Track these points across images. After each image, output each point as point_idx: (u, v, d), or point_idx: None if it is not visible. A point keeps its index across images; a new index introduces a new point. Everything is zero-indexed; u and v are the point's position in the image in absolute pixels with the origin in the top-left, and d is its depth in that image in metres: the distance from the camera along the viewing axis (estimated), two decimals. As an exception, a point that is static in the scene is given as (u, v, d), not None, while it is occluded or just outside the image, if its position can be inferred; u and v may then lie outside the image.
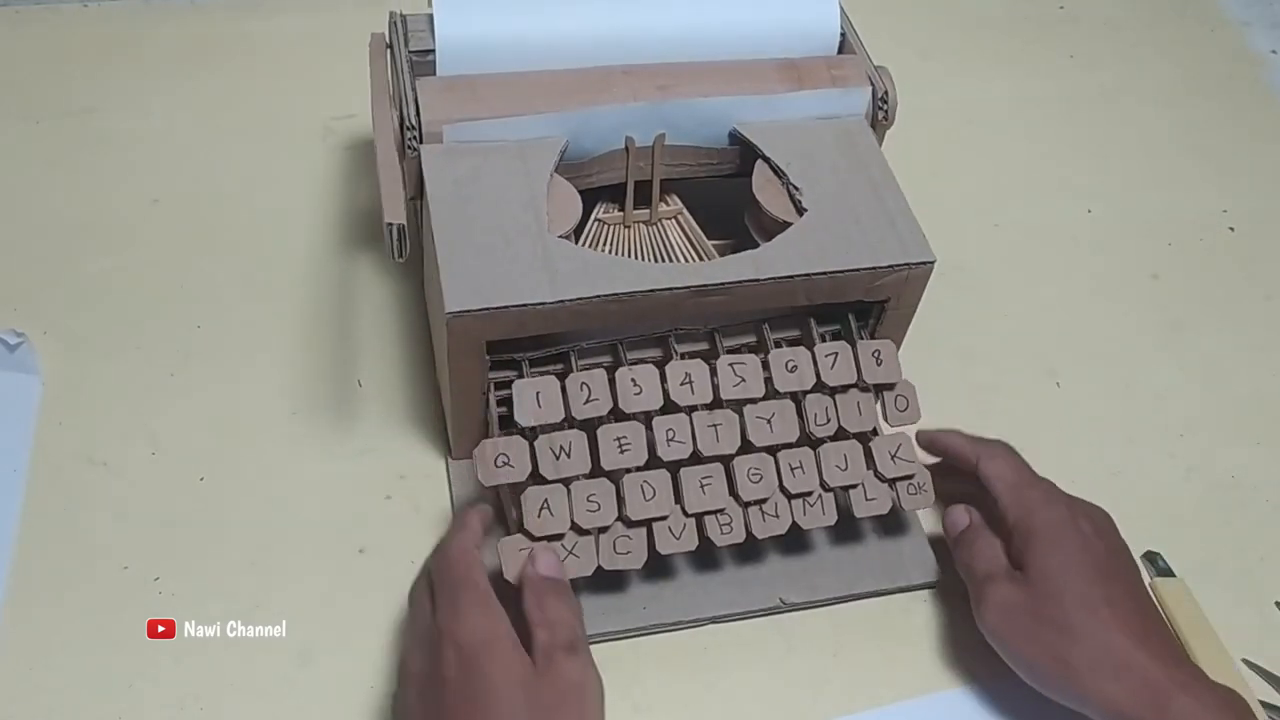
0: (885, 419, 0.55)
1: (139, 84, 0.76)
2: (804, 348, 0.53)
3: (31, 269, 0.65)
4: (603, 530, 0.50)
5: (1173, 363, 0.68)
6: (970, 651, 0.54)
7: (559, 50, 0.56)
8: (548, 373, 0.51)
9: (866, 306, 0.55)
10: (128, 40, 0.79)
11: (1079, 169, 0.79)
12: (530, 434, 0.50)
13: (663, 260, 0.58)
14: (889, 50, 0.61)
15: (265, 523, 0.56)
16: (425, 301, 0.64)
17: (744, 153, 0.58)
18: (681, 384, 0.51)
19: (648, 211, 0.59)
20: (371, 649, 0.53)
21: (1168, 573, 0.58)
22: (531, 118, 0.54)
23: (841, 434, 0.53)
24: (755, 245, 0.54)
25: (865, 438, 0.54)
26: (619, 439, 0.50)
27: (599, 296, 0.50)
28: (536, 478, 0.50)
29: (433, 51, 0.56)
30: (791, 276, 0.52)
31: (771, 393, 0.52)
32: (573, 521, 0.50)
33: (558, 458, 0.50)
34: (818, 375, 0.53)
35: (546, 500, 0.49)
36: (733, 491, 0.51)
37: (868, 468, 0.53)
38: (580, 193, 0.55)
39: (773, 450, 0.52)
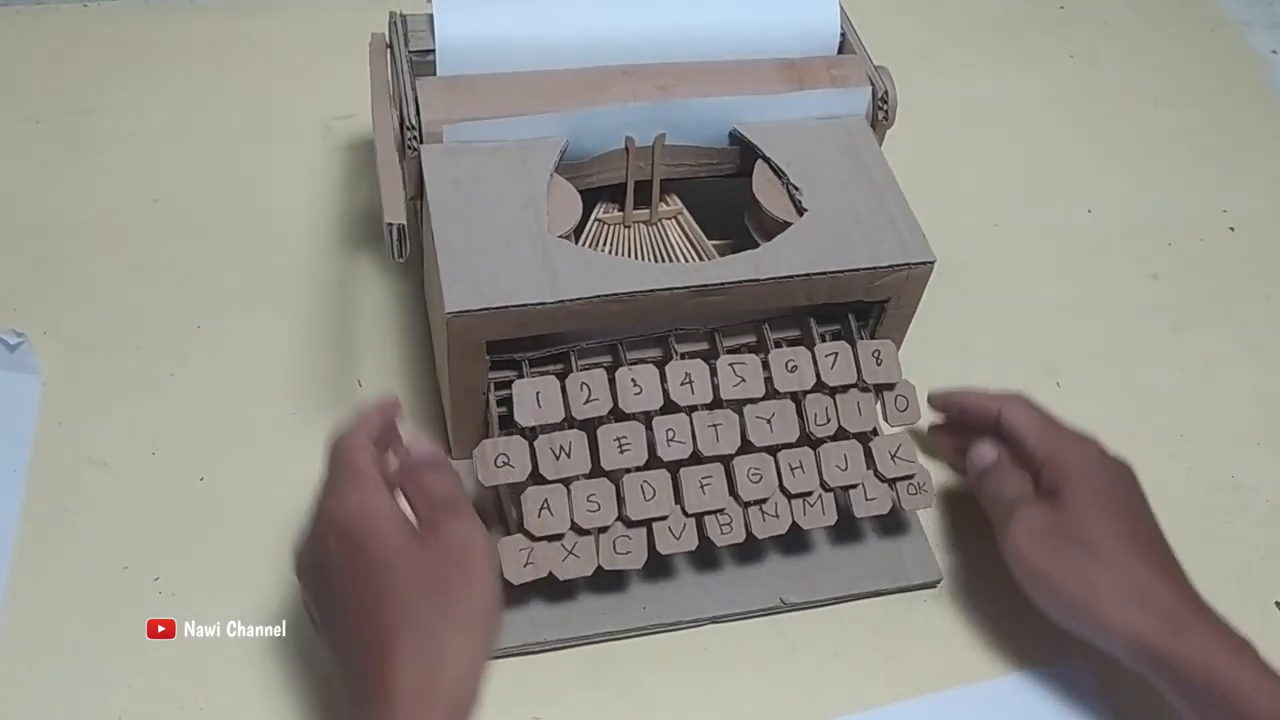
0: (885, 419, 0.55)
1: (139, 84, 0.76)
2: (804, 348, 0.53)
3: (31, 269, 0.65)
4: (603, 530, 0.50)
5: (1173, 363, 0.68)
6: (970, 651, 0.55)
7: (559, 50, 0.56)
8: (548, 373, 0.51)
9: (866, 306, 0.55)
10: (128, 40, 0.79)
11: (1079, 169, 0.79)
12: (530, 434, 0.50)
13: (663, 260, 0.57)
14: (889, 50, 0.61)
15: (265, 523, 0.56)
16: (425, 301, 0.64)
17: (744, 153, 0.58)
18: (681, 384, 0.51)
19: (648, 211, 0.59)
20: (371, 649, 0.52)
21: (1168, 572, 0.58)
22: (531, 118, 0.54)
23: (841, 434, 0.53)
24: (755, 245, 0.54)
25: (865, 438, 0.54)
26: (619, 439, 0.50)
27: (599, 296, 0.50)
28: (536, 478, 0.50)
29: (433, 51, 0.56)
30: (791, 276, 0.52)
31: (771, 393, 0.52)
32: (573, 521, 0.50)
33: (558, 458, 0.50)
34: (818, 375, 0.53)
35: (546, 500, 0.49)
36: (733, 491, 0.51)
37: (868, 468, 0.53)
38: (580, 193, 0.55)
39: (773, 450, 0.52)
